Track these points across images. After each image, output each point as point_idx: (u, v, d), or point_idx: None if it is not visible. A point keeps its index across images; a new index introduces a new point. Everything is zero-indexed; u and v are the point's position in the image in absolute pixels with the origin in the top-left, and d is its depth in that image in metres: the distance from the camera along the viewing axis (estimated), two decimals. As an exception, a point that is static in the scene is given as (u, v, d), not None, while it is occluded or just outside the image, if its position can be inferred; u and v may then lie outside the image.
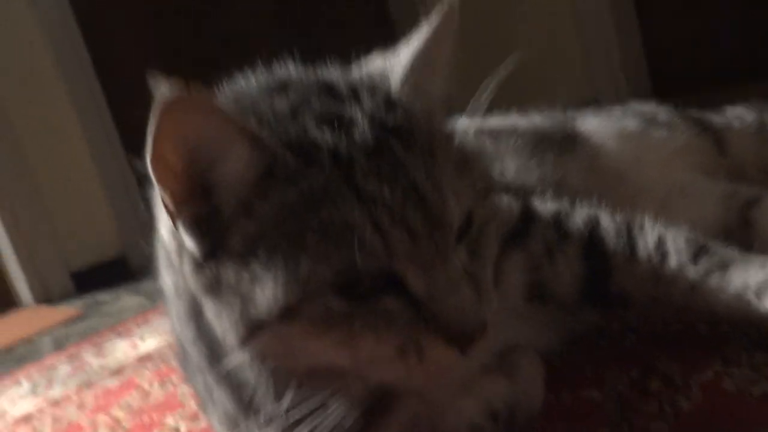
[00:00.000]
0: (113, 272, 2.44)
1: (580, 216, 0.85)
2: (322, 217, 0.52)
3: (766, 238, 0.94)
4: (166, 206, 0.55)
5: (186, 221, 0.56)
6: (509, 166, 1.00)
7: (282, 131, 0.55)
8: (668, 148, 1.11)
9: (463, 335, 0.54)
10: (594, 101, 2.47)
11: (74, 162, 2.58)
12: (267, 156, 0.53)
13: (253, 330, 0.55)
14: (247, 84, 0.64)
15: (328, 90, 0.60)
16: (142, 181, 0.57)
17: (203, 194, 0.55)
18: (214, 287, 0.56)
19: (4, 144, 2.43)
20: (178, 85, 0.48)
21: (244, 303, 0.54)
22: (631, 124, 1.15)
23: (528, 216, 0.85)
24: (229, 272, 0.55)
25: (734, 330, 0.80)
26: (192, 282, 0.58)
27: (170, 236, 0.60)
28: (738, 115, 1.21)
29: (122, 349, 1.57)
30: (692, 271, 0.75)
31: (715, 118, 1.20)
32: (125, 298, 2.15)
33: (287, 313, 0.53)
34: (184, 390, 1.15)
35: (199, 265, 0.57)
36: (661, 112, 1.19)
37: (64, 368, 1.55)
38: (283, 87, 0.61)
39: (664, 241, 0.79)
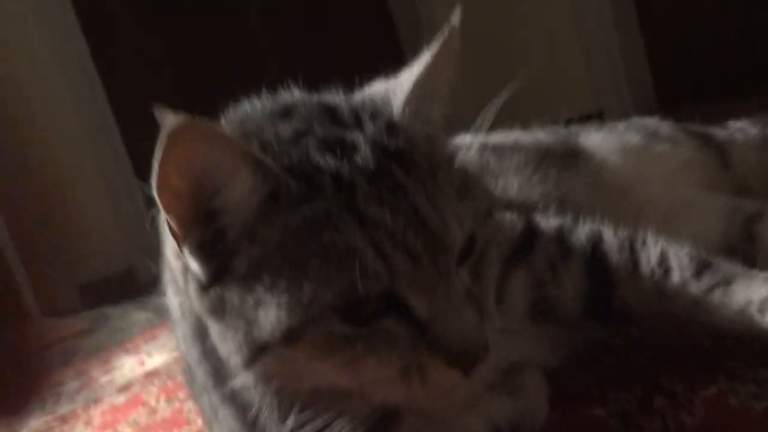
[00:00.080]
0: (121, 286, 2.45)
1: (582, 231, 0.85)
2: (324, 241, 0.53)
3: (770, 253, 0.94)
4: (171, 230, 0.56)
5: (191, 245, 0.56)
6: (512, 183, 1.01)
7: (285, 156, 0.56)
8: (671, 162, 1.11)
9: (466, 357, 0.55)
10: (599, 115, 2.47)
11: (82, 176, 2.60)
12: (270, 181, 0.54)
13: (257, 352, 0.55)
14: (252, 109, 0.65)
15: (331, 114, 0.61)
16: (150, 203, 0.58)
17: (208, 219, 0.56)
18: (219, 310, 0.57)
19: (14, 159, 2.46)
20: (183, 115, 0.49)
21: (248, 325, 0.55)
22: (633, 138, 1.15)
23: (531, 232, 0.85)
24: (233, 295, 0.55)
25: (738, 345, 0.80)
26: (197, 304, 0.59)
27: (176, 258, 0.61)
28: (741, 129, 1.21)
29: (129, 365, 1.57)
30: (695, 287, 0.75)
31: (718, 132, 1.20)
32: (133, 313, 2.15)
33: (290, 336, 0.54)
34: (190, 407, 1.15)
35: (204, 288, 0.58)
36: (663, 126, 1.19)
37: (72, 384, 1.56)
38: (287, 112, 0.62)
39: (666, 256, 0.79)
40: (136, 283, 2.47)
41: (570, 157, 1.09)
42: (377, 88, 0.66)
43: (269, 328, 0.54)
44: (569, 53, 2.86)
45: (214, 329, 0.58)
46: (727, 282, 0.74)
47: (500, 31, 2.94)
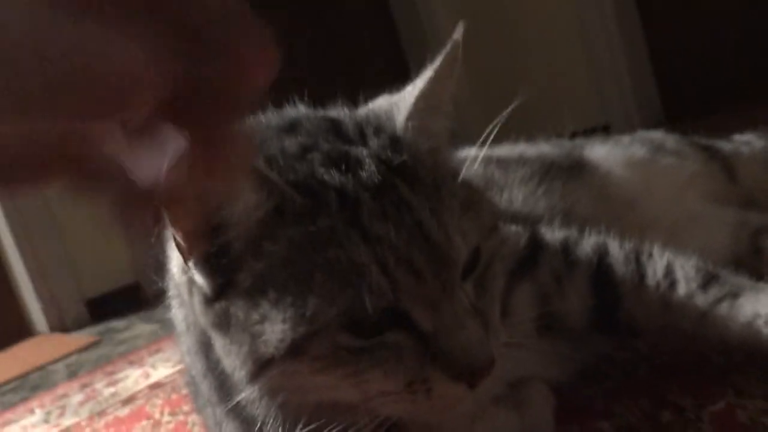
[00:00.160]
0: (127, 299, 2.46)
1: (588, 244, 0.85)
2: (328, 256, 0.53)
3: (777, 266, 0.93)
4: (177, 244, 0.56)
5: (196, 259, 0.57)
6: (517, 195, 1.00)
7: (291, 171, 0.57)
8: (677, 175, 1.11)
9: (471, 371, 0.55)
10: (604, 129, 2.47)
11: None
12: (275, 196, 0.55)
13: (261, 366, 0.56)
14: (257, 123, 0.65)
15: (336, 129, 0.61)
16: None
17: (213, 233, 0.56)
18: (224, 323, 0.57)
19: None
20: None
21: (253, 339, 0.55)
22: (639, 151, 1.15)
23: (536, 244, 0.85)
24: (238, 309, 0.56)
25: (747, 360, 0.79)
26: (202, 318, 0.59)
27: (180, 272, 0.61)
28: (747, 142, 1.21)
29: (134, 378, 1.57)
30: (702, 300, 0.75)
31: (724, 145, 1.20)
32: (139, 326, 2.16)
33: (295, 350, 0.54)
34: (195, 420, 1.15)
35: (209, 302, 0.58)
36: (669, 139, 1.19)
37: (76, 397, 1.56)
38: (292, 127, 0.62)
39: (673, 268, 0.79)
40: (143, 296, 2.46)
41: (575, 170, 1.09)
42: (381, 103, 0.66)
43: (274, 342, 0.54)
44: (574, 66, 2.86)
45: (219, 343, 0.58)
46: (734, 295, 0.74)
47: (505, 44, 2.95)
